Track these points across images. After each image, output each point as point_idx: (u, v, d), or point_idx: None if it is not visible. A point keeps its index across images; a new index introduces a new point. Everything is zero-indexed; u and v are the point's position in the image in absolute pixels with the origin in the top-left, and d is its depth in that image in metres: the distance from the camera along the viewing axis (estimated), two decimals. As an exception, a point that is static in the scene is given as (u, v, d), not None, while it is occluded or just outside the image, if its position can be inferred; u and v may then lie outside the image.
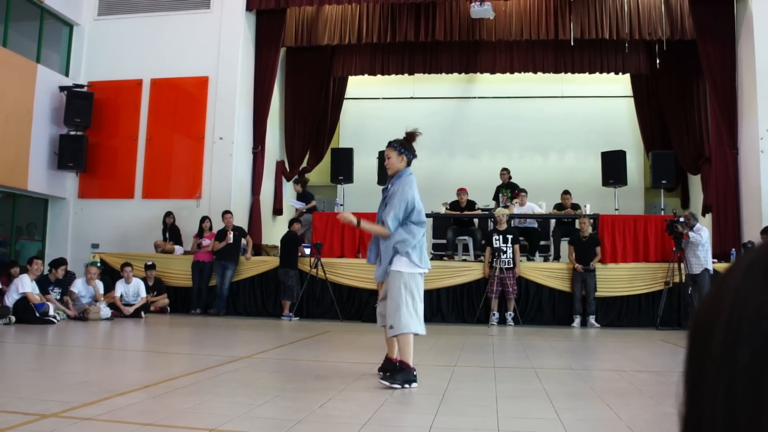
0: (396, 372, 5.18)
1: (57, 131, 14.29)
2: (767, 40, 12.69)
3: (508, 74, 16.41)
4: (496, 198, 13.96)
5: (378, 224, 5.44)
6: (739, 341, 0.48)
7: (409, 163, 5.54)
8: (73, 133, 14.34)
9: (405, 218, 5.36)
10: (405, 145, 5.50)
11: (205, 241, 12.67)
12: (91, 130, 14.48)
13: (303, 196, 14.18)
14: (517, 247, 11.68)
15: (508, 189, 13.79)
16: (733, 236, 12.93)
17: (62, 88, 14.34)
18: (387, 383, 5.09)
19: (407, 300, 5.23)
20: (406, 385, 5.07)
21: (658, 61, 14.90)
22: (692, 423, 0.52)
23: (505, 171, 14.23)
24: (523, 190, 13.38)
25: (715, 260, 11.51)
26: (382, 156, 13.83)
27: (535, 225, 13.37)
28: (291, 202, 14.62)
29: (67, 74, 14.83)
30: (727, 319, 0.50)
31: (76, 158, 14.23)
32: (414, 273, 5.32)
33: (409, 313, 5.21)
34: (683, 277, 11.14)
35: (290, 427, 3.71)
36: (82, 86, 14.59)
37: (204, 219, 13.00)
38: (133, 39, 14.78)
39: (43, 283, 10.78)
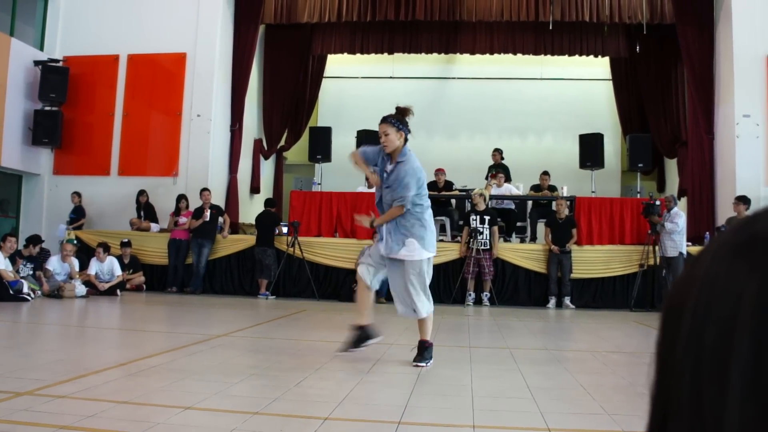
0: (423, 350, 5.27)
1: (32, 106, 14.07)
2: (745, 25, 12.78)
3: (487, 55, 16.35)
4: (487, 178, 13.98)
5: (393, 208, 5.31)
6: (706, 323, 0.49)
7: (406, 140, 5.38)
8: (48, 108, 14.14)
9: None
10: (402, 121, 5.33)
11: (182, 219, 12.60)
12: (66, 106, 14.27)
13: (76, 210, 13.60)
14: (495, 228, 11.71)
15: (499, 169, 13.84)
16: (708, 220, 13.07)
17: (37, 63, 14.11)
18: (422, 364, 5.15)
19: (424, 284, 5.28)
20: (431, 361, 5.22)
21: (637, 45, 14.96)
22: (661, 403, 0.53)
23: (496, 152, 14.31)
24: (501, 171, 13.43)
25: (690, 243, 11.64)
26: (360, 135, 13.80)
27: (512, 206, 13.42)
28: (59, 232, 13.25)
29: (41, 48, 14.57)
30: (695, 301, 0.51)
31: (51, 134, 14.02)
32: (425, 259, 5.28)
33: (427, 297, 5.30)
34: (657, 260, 11.26)
35: (266, 405, 3.72)
36: (57, 61, 14.36)
37: (181, 198, 12.91)
38: (110, 13, 14.53)
39: (14, 257, 10.67)
